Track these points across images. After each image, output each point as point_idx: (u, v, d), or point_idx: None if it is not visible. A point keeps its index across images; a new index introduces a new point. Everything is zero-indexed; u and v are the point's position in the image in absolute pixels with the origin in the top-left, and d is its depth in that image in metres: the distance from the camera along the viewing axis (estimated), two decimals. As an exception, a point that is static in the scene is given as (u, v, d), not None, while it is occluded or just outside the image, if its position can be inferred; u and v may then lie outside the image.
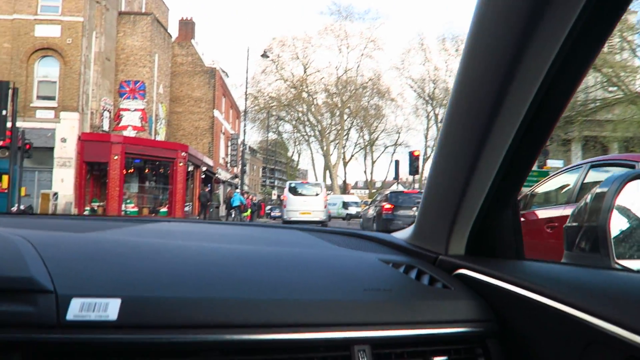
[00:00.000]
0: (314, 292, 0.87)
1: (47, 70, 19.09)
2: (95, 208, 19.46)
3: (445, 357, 0.85)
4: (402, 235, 1.29)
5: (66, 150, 18.63)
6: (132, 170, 21.23)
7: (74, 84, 18.88)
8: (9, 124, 12.02)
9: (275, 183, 75.84)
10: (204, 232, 1.35)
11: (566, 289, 0.81)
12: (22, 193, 16.27)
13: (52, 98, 18.98)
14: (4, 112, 11.28)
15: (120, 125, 21.87)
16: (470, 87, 0.88)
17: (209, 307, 0.77)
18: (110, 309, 0.72)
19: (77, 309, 0.71)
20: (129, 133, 21.45)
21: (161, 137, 24.62)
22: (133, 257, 0.89)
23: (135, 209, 20.68)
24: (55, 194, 18.06)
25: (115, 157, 19.24)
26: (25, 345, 0.68)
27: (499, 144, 0.90)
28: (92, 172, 20.00)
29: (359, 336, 0.81)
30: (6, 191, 13.39)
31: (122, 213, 19.39)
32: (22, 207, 15.38)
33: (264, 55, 29.34)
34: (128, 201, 20.67)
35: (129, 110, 22.05)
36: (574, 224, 1.07)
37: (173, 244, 1.04)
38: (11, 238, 0.88)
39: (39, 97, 19.01)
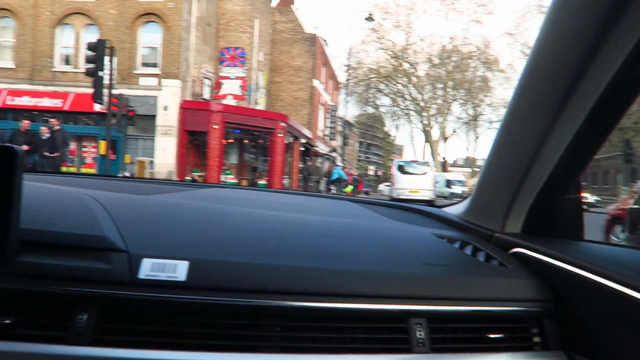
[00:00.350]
0: (372, 263, 0.87)
1: (150, 36, 18.80)
2: (196, 178, 19.06)
3: (501, 335, 0.84)
4: (454, 210, 1.27)
5: (168, 119, 18.35)
6: (231, 140, 20.65)
7: (175, 51, 18.44)
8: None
9: (371, 159, 74.05)
10: (258, 200, 1.35)
11: (630, 272, 0.78)
12: (127, 160, 16.26)
13: (154, 65, 18.73)
14: (100, 74, 10.51)
15: (221, 93, 21.26)
16: (546, 63, 0.87)
17: (272, 273, 0.79)
18: (179, 270, 0.76)
19: (148, 269, 0.76)
20: (229, 102, 20.76)
21: (261, 106, 23.84)
22: (196, 221, 0.93)
23: (234, 180, 20.13)
24: (152, 161, 17.86)
25: (215, 127, 18.63)
26: (101, 300, 0.74)
27: (569, 123, 0.87)
28: (194, 141, 19.61)
29: (416, 309, 0.82)
30: (108, 158, 12.94)
31: (221, 184, 18.57)
32: (127, 174, 15.29)
33: (369, 19, 27.44)
34: (227, 172, 20.16)
35: (229, 78, 21.37)
36: (638, 206, 1.08)
37: (233, 209, 1.05)
38: (83, 198, 0.93)
39: (142, 64, 18.82)
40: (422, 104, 38.53)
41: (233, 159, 21.50)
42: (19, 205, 0.74)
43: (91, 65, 10.78)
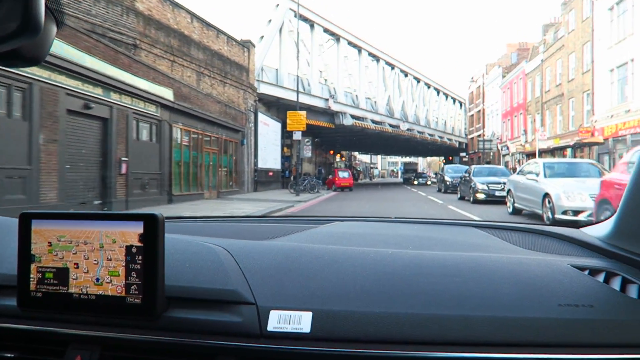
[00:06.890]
0: (502, 307, 0.79)
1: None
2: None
3: None
4: (596, 232, 1.10)
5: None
6: None
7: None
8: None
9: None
10: (376, 234, 1.33)
11: None
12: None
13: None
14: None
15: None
16: None
17: (394, 322, 0.78)
18: (303, 321, 0.79)
19: (276, 321, 0.80)
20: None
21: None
22: (317, 266, 0.93)
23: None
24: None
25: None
26: (236, 351, 0.80)
27: None
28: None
29: (557, 358, 0.73)
30: None
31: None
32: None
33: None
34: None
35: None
36: None
37: (350, 250, 1.04)
38: (214, 249, 0.97)
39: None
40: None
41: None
42: (163, 266, 0.83)
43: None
